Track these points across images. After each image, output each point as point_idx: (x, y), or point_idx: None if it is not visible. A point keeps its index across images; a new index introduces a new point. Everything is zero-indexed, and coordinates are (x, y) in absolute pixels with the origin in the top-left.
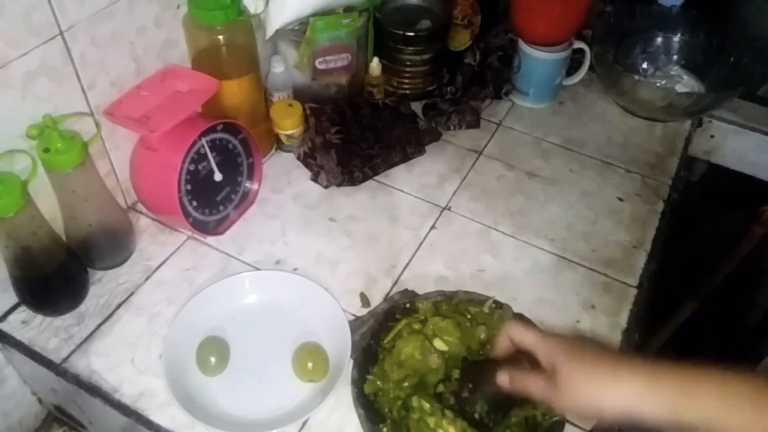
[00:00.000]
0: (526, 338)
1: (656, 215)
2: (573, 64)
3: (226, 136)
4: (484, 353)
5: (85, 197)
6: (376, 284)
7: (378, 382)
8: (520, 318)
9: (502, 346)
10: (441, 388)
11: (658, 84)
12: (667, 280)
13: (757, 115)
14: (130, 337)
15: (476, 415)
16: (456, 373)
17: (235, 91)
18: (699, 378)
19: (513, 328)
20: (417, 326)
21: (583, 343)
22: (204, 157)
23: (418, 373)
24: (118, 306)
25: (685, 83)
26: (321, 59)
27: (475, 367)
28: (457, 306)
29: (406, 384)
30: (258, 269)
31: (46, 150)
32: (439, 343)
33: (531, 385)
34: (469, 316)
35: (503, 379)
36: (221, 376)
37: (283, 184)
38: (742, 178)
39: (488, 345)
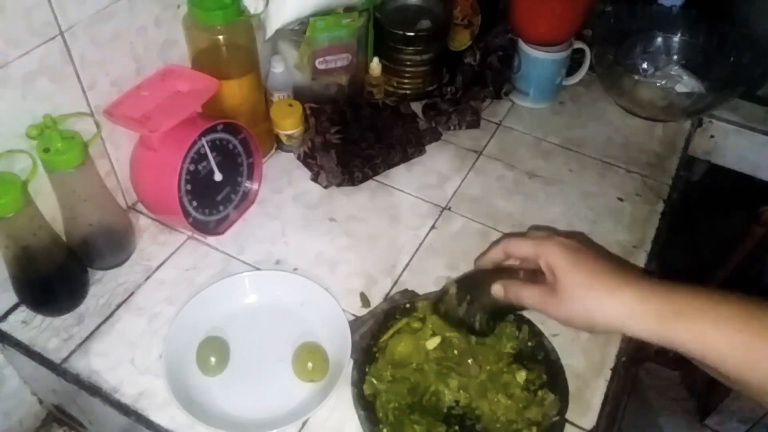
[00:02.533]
0: (524, 248)
1: (656, 215)
2: (573, 64)
3: (226, 136)
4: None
5: (85, 197)
6: (376, 284)
7: (374, 381)
8: (520, 318)
9: (493, 257)
10: (434, 399)
11: (658, 84)
12: (667, 280)
13: (757, 115)
14: (130, 337)
15: (477, 326)
16: (453, 288)
17: (235, 91)
18: (692, 297)
19: (511, 242)
20: (416, 324)
21: (582, 251)
22: (204, 157)
23: (412, 376)
24: (118, 306)
25: (685, 83)
26: (321, 59)
27: (471, 280)
28: None
29: (399, 387)
30: (258, 269)
31: (46, 150)
32: (431, 344)
33: (525, 294)
34: None
35: (497, 289)
36: (221, 376)
37: (283, 184)
38: (742, 178)
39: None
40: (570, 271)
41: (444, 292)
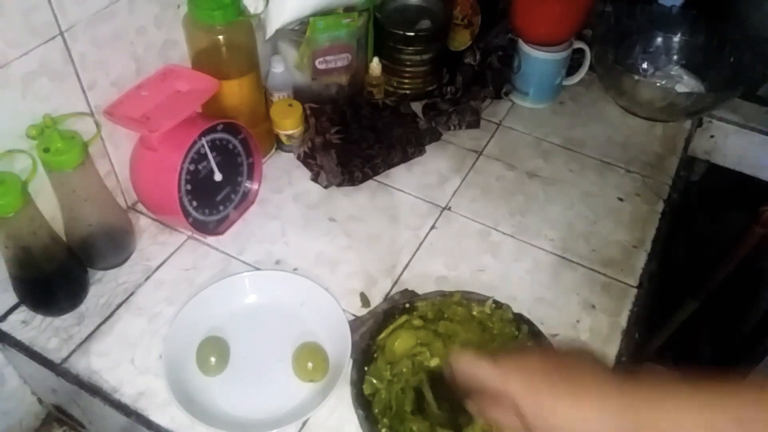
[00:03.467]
0: (476, 370)
1: (656, 215)
2: (573, 64)
3: (226, 136)
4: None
5: (85, 197)
6: (376, 284)
7: (374, 381)
8: (520, 318)
9: (453, 375)
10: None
11: (658, 84)
12: (667, 280)
13: (757, 115)
14: (130, 337)
15: (460, 420)
16: (429, 395)
17: (235, 91)
18: (654, 408)
19: (461, 362)
20: (417, 322)
21: (540, 364)
22: (204, 157)
23: (411, 374)
24: (118, 306)
25: (685, 83)
26: (321, 59)
27: (444, 387)
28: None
29: (398, 387)
30: (258, 269)
31: (46, 150)
32: (432, 362)
33: (502, 419)
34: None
35: (473, 408)
36: (221, 376)
37: (283, 184)
38: (742, 178)
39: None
40: (529, 397)
41: (421, 396)
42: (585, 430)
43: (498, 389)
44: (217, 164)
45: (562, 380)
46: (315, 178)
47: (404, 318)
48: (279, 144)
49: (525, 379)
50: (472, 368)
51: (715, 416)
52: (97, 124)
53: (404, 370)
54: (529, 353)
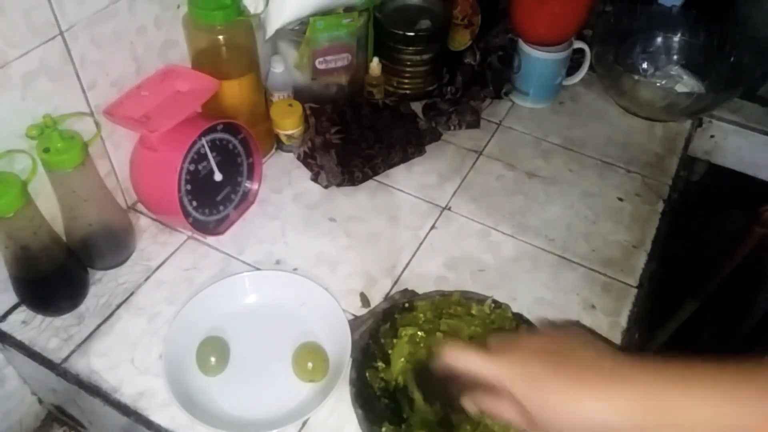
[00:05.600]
0: (471, 365)
1: (656, 215)
2: (573, 64)
3: (226, 136)
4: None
5: (85, 197)
6: (376, 284)
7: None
8: (519, 318)
9: (445, 368)
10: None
11: (658, 84)
12: (667, 280)
13: (757, 115)
14: (130, 337)
15: (453, 419)
16: (418, 395)
17: (235, 91)
18: (664, 382)
19: (452, 356)
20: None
21: (536, 364)
22: (204, 157)
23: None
24: (118, 306)
25: (685, 83)
26: (321, 59)
27: (433, 383)
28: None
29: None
30: (258, 269)
31: (46, 150)
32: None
33: (506, 414)
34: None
35: (469, 405)
36: (221, 376)
37: (283, 184)
38: (742, 178)
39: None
40: (534, 396)
41: (410, 397)
42: (593, 422)
43: (495, 383)
44: (217, 164)
45: (564, 369)
46: (315, 178)
47: (410, 332)
48: (279, 144)
49: (524, 371)
50: (464, 362)
51: (737, 408)
52: (97, 124)
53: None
54: (521, 340)
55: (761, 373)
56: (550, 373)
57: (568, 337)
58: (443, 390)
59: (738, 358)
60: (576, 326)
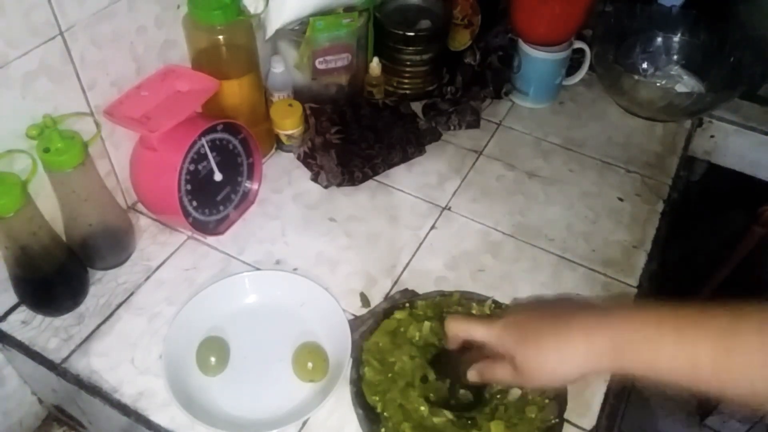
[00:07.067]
0: (472, 333)
1: (656, 215)
2: (573, 64)
3: (226, 136)
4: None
5: (85, 197)
6: (376, 284)
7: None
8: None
9: (453, 341)
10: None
11: (658, 84)
12: (667, 280)
13: (757, 115)
14: (130, 337)
15: (464, 402)
16: (431, 374)
17: (235, 91)
18: (642, 322)
19: (454, 326)
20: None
21: (525, 320)
22: (204, 157)
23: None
24: (118, 306)
25: (685, 83)
26: (321, 59)
27: (445, 362)
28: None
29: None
30: (258, 269)
31: (46, 150)
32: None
33: (499, 374)
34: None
35: (473, 375)
36: (221, 376)
37: (283, 184)
38: (742, 178)
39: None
40: (520, 349)
41: (423, 377)
42: (569, 369)
43: (493, 347)
44: (217, 164)
45: (550, 327)
46: (315, 178)
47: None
48: (279, 144)
49: (517, 333)
50: (467, 330)
51: (695, 349)
52: (97, 124)
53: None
54: (518, 309)
55: (723, 314)
56: (536, 333)
57: (556, 303)
58: (453, 369)
59: (705, 303)
60: (570, 296)
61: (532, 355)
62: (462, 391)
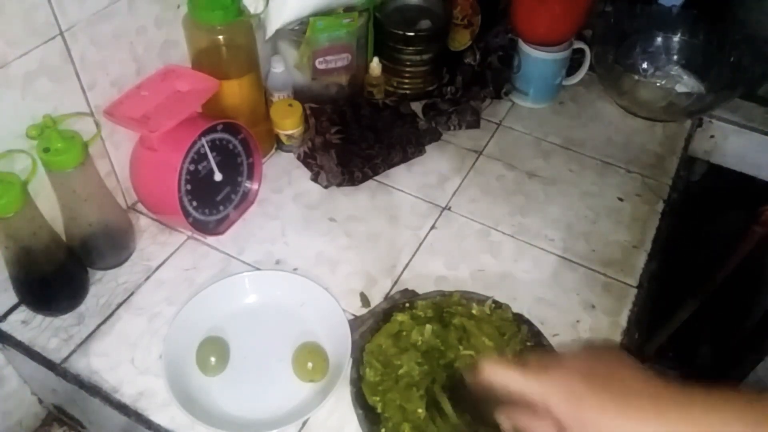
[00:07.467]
0: (511, 383)
1: (656, 215)
2: (573, 64)
3: (226, 136)
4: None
5: (85, 197)
6: (376, 284)
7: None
8: (520, 318)
9: (482, 384)
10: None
11: (658, 84)
12: (667, 280)
13: (757, 115)
14: (130, 337)
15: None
16: (447, 406)
17: (235, 91)
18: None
19: (491, 373)
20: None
21: (582, 385)
22: (204, 157)
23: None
24: (118, 306)
25: (685, 83)
26: (321, 59)
27: (463, 394)
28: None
29: (404, 382)
30: (258, 269)
31: (46, 150)
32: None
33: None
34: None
35: (504, 420)
36: (221, 376)
37: (283, 184)
38: (742, 178)
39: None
40: (572, 416)
41: (439, 408)
42: None
43: (535, 401)
44: (217, 164)
45: (605, 388)
46: (315, 178)
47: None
48: (279, 144)
49: (566, 390)
50: (504, 379)
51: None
52: (97, 124)
53: (413, 364)
54: (562, 359)
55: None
56: (591, 392)
57: (608, 358)
58: (473, 403)
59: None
60: (612, 347)
61: (590, 420)
62: (485, 429)
